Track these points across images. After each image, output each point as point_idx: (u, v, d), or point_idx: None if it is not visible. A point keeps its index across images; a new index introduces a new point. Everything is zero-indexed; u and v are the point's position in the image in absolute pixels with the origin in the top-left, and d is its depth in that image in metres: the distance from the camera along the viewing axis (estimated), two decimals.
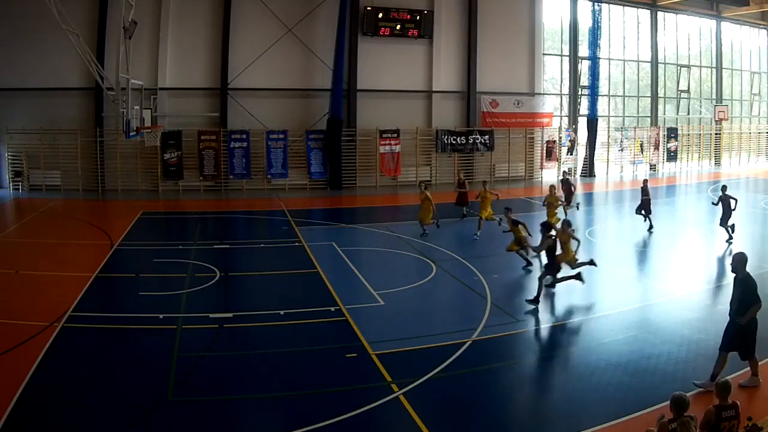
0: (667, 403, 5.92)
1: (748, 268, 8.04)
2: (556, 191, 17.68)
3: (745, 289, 7.94)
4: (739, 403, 5.98)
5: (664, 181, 31.42)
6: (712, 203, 17.24)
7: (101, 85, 17.08)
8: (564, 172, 24.63)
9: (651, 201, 18.41)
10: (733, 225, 16.59)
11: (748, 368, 8.15)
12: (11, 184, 24.45)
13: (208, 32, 25.45)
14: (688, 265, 14.72)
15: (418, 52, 28.09)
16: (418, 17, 27.44)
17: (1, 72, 23.48)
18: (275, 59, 25.76)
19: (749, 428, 5.71)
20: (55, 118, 23.88)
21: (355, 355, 9.20)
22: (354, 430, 7.23)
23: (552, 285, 11.83)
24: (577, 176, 31.73)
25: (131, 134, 16.24)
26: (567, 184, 20.08)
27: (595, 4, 30.58)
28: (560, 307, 12.03)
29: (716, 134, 37.19)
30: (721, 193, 16.90)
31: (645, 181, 19.04)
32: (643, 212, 18.42)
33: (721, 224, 16.52)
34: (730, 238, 16.49)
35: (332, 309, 11.23)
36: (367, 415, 7.46)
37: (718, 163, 37.33)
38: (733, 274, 8.15)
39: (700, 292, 12.28)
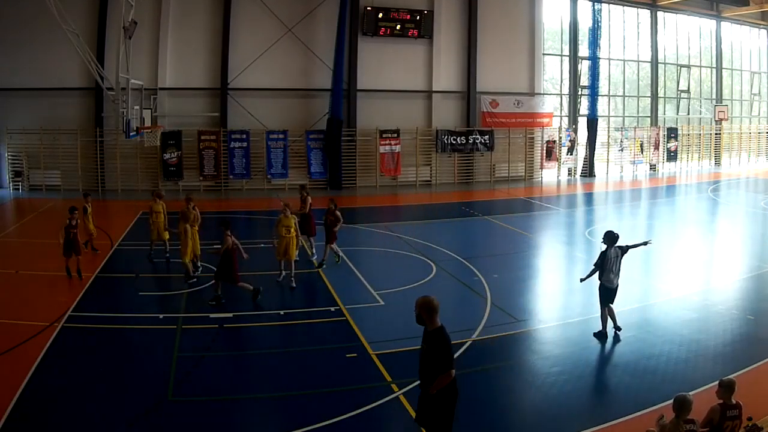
0: (667, 402, 5.91)
1: None
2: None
3: (434, 346, 5.64)
4: (742, 404, 5.96)
5: (664, 181, 31.43)
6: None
7: (101, 85, 17.09)
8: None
9: (337, 225, 13.70)
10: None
11: (752, 366, 7.90)
12: (11, 184, 24.43)
13: (208, 32, 25.44)
14: (687, 265, 14.70)
15: (418, 52, 28.07)
16: (418, 17, 27.42)
17: (1, 72, 23.46)
18: (275, 59, 25.75)
19: (749, 428, 5.70)
20: (55, 118, 23.87)
21: (355, 355, 9.21)
22: (354, 430, 7.23)
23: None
24: (578, 176, 31.76)
25: (131, 134, 16.24)
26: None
27: (595, 4, 30.56)
28: (560, 307, 12.06)
29: (716, 134, 37.18)
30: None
31: (331, 201, 14.14)
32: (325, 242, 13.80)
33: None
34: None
35: (332, 309, 11.24)
36: (367, 415, 7.47)
37: (718, 163, 37.34)
38: (421, 326, 5.86)
39: (700, 292, 12.28)
